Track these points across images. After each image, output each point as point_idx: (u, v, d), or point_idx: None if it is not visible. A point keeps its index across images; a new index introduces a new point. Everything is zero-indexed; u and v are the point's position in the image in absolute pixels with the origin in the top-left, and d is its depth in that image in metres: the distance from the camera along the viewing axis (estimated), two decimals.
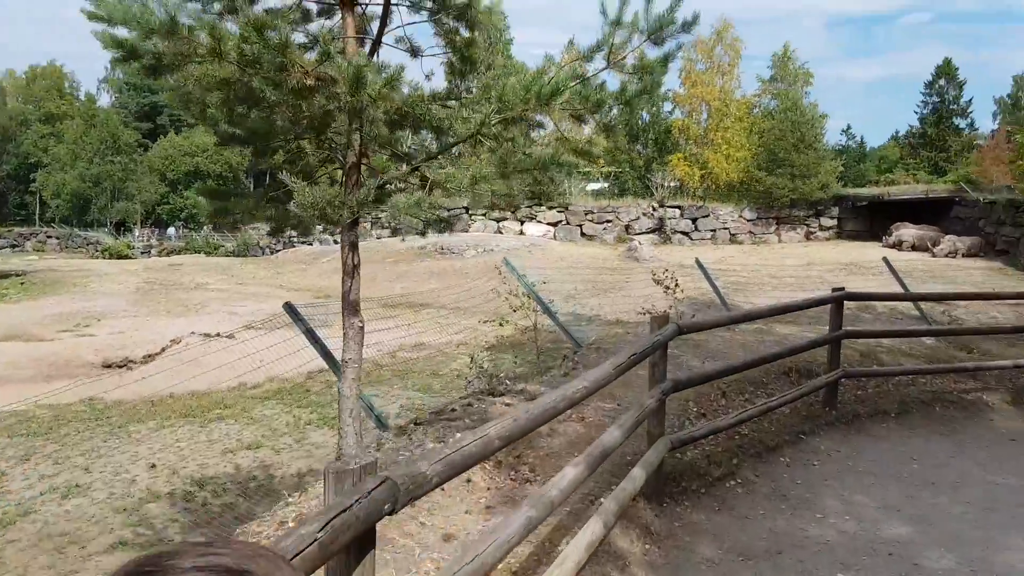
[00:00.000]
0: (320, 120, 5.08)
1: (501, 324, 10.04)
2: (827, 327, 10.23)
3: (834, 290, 8.25)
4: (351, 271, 5.53)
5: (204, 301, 25.95)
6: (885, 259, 15.05)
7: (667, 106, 41.02)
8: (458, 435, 5.35)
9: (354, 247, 5.52)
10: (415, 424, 6.52)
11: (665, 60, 5.23)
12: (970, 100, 59.72)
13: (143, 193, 55.20)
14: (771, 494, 6.24)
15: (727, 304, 13.63)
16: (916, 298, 12.36)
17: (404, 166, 5.75)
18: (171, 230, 52.35)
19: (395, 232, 34.74)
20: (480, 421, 6.67)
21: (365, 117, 4.62)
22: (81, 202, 55.82)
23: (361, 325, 5.60)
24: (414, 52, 5.59)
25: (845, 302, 8.34)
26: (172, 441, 11.41)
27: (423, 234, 7.28)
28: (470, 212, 35.30)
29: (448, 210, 35.21)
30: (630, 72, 5.28)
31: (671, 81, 46.04)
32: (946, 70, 59.72)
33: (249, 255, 37.24)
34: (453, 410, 6.82)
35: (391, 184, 5.56)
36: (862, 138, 77.62)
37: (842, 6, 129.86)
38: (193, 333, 19.59)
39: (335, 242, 34.75)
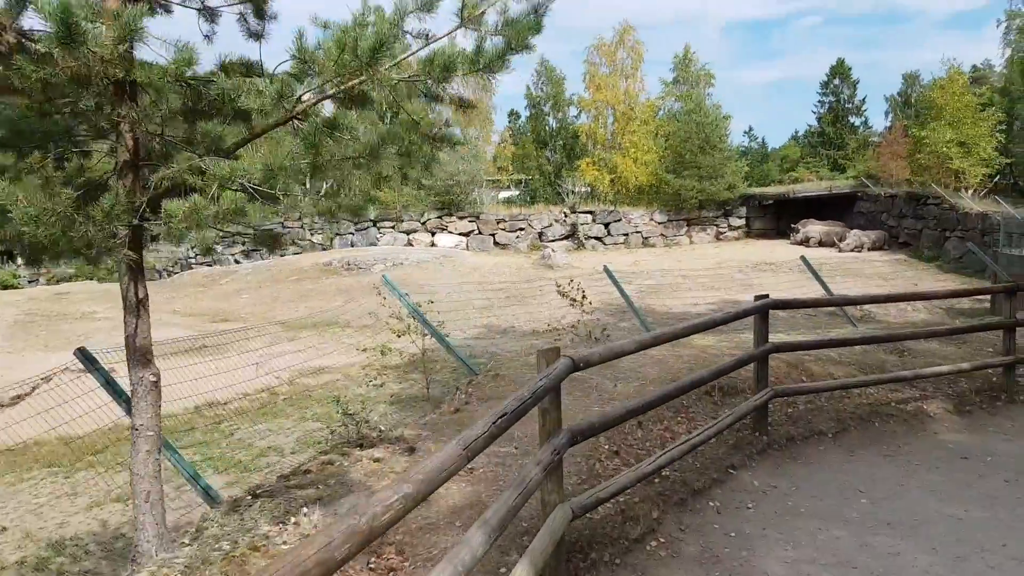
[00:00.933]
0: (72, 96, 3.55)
1: (383, 353, 8.54)
2: (746, 333, 9.25)
3: (757, 298, 7.08)
4: (134, 307, 4.00)
5: (89, 332, 23.48)
6: (803, 258, 14.26)
7: (573, 111, 40.25)
8: None
9: (136, 272, 3.98)
10: (254, 496, 5.00)
11: (536, 14, 3.91)
12: (864, 99, 61.07)
13: None
14: (701, 556, 4.97)
15: (639, 313, 12.44)
16: (846, 302, 11.43)
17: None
18: None
19: (207, 252, 32.73)
20: (338, 486, 5.19)
21: (134, 97, 3.11)
22: None
23: (155, 379, 4.07)
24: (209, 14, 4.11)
25: (772, 311, 7.16)
26: (30, 497, 9.60)
27: (207, 252, 5.74)
28: (377, 224, 33.60)
29: (355, 222, 33.53)
30: (492, 31, 3.94)
31: (576, 86, 45.24)
32: (840, 70, 60.84)
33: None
34: (307, 471, 5.33)
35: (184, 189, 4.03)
36: (764, 139, 78.58)
37: (738, 11, 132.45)
38: (67, 369, 17.43)
39: (236, 262, 32.59)
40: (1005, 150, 34.06)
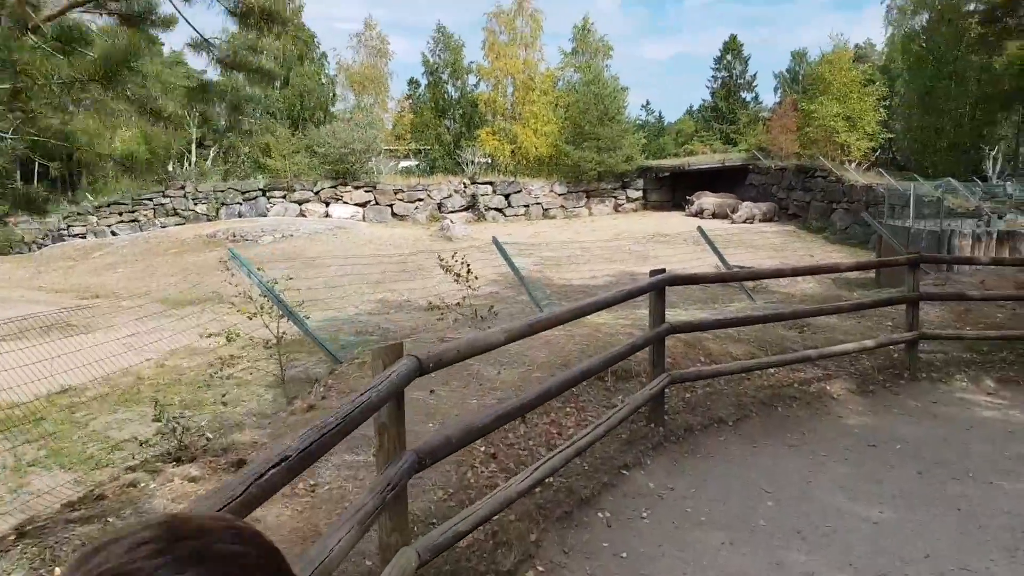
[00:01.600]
0: None
1: (229, 339, 7.31)
2: (642, 309, 8.50)
3: (653, 273, 6.22)
4: None
5: None
6: (700, 229, 13.64)
7: (472, 79, 38.89)
8: None
9: None
10: (19, 535, 3.78)
11: None
12: (755, 75, 61.97)
13: None
14: None
15: (530, 289, 11.53)
16: (748, 277, 10.81)
17: None
18: None
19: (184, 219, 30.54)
20: (134, 517, 4.02)
21: None
22: None
23: None
24: None
25: (668, 287, 6.32)
26: None
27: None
28: (267, 193, 31.62)
29: (243, 192, 31.47)
30: None
31: (475, 54, 44.03)
32: (732, 46, 61.45)
33: (12, 252, 31.51)
34: (101, 497, 4.14)
35: None
36: (660, 113, 79.09)
37: None
38: None
39: (113, 234, 30.10)
40: (886, 125, 34.85)
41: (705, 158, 37.75)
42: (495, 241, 10.58)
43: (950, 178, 20.79)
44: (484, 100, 36.71)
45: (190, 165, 34.81)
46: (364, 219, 31.97)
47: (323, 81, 37.74)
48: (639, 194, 36.47)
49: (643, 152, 40.46)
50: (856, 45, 47.34)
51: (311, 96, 35.94)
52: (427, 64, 38.63)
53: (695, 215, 32.82)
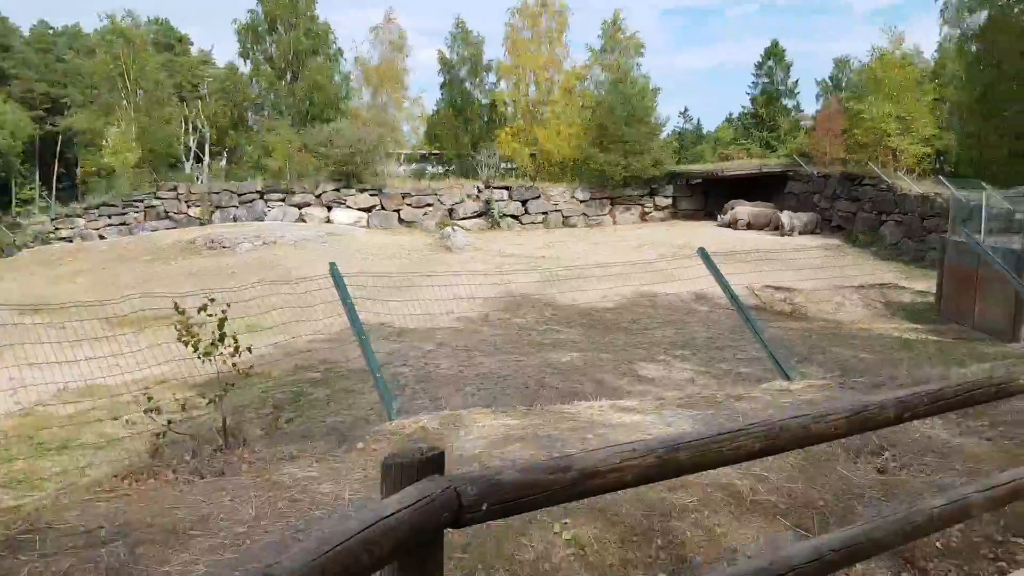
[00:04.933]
0: None
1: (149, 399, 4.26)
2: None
3: None
4: None
5: None
6: (702, 251, 10.29)
7: (491, 77, 35.81)
8: None
9: None
10: None
11: None
12: (796, 81, 58.69)
13: None
14: None
15: (372, 360, 6.37)
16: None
17: None
18: None
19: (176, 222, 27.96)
20: None
21: None
22: None
23: None
24: None
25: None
26: None
27: None
28: (264, 196, 28.90)
29: (239, 195, 28.87)
30: None
31: (495, 51, 40.98)
32: (774, 51, 58.23)
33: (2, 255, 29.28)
34: None
35: None
36: (699, 121, 75.70)
37: None
38: None
39: (101, 237, 27.64)
40: (941, 130, 31.00)
41: (740, 163, 34.15)
42: (335, 273, 6.28)
43: None
44: (504, 99, 33.55)
45: (199, 164, 32.41)
46: (368, 225, 29.11)
47: (336, 77, 35.00)
48: (668, 202, 33.04)
49: (675, 156, 37.17)
50: (902, 55, 43.48)
51: (322, 92, 33.19)
52: (444, 62, 35.66)
53: (728, 225, 29.38)
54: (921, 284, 19.16)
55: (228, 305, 4.96)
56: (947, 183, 21.64)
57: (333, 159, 29.11)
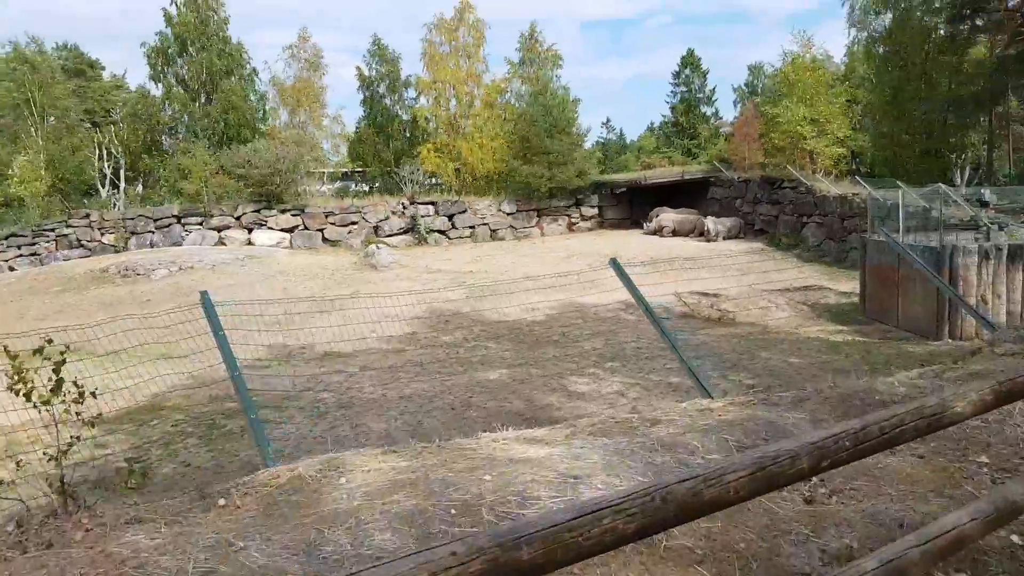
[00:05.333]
0: None
1: None
2: None
3: None
4: None
5: None
6: (614, 262, 9.95)
7: (411, 93, 35.20)
8: None
9: None
10: None
11: None
12: (714, 88, 60.06)
13: None
14: None
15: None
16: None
17: None
18: None
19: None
20: None
21: None
22: None
23: None
24: None
25: None
26: None
27: None
28: (182, 220, 27.69)
29: (155, 219, 27.63)
30: None
31: (414, 66, 40.65)
32: (690, 60, 59.36)
33: None
34: None
35: None
36: (622, 130, 76.71)
37: (593, 11, 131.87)
38: None
39: (11, 269, 26.06)
40: (854, 131, 31.82)
41: (663, 171, 34.39)
42: (206, 303, 5.70)
43: (940, 184, 17.51)
44: (425, 114, 33.00)
45: (116, 191, 30.91)
46: (291, 246, 28.17)
47: (252, 97, 33.90)
48: (594, 211, 33.02)
49: (599, 166, 37.20)
50: (812, 58, 44.80)
51: (238, 113, 32.07)
52: (363, 79, 34.91)
53: (654, 233, 29.49)
54: (845, 285, 19.35)
55: (68, 346, 4.32)
56: (864, 183, 22.06)
57: (252, 180, 28.11)
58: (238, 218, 28.34)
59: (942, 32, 33.15)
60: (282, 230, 28.59)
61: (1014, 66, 30.65)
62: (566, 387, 11.50)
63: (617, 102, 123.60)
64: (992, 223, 16.38)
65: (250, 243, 28.00)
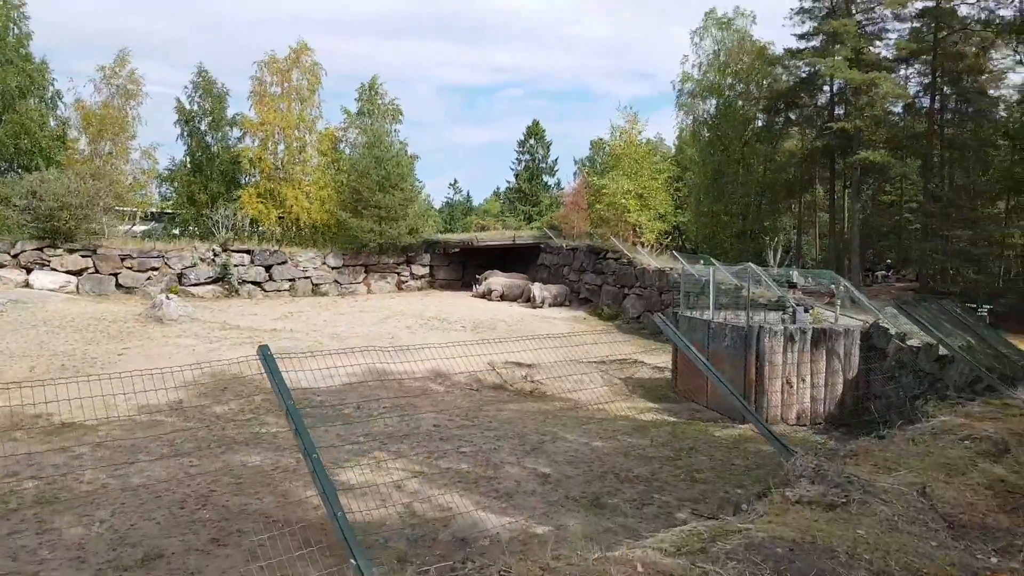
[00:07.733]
0: None
1: None
2: None
3: None
4: None
5: None
6: (263, 349, 8.33)
7: (236, 133, 32.52)
8: None
9: None
10: None
11: None
12: (556, 159, 61.41)
13: None
14: None
15: None
16: None
17: None
18: None
19: None
20: None
21: None
22: None
23: None
24: None
25: None
26: None
27: None
28: None
29: None
30: None
31: (243, 104, 37.83)
32: (535, 131, 60.39)
33: None
34: None
35: None
36: (469, 192, 76.72)
37: (450, 77, 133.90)
38: None
39: None
40: (678, 209, 32.46)
41: (495, 234, 33.54)
42: None
43: (750, 263, 17.38)
44: (249, 156, 30.34)
45: None
46: (77, 290, 24.54)
47: (53, 122, 29.95)
48: (426, 271, 31.49)
49: (441, 225, 35.99)
50: (647, 140, 46.52)
51: (32, 139, 28.10)
52: (182, 112, 31.86)
53: (483, 296, 28.29)
54: (660, 359, 18.74)
55: None
56: (680, 257, 21.85)
57: (38, 214, 24.35)
58: (15, 256, 24.38)
59: (759, 123, 34.95)
60: (68, 272, 24.86)
61: (821, 159, 32.62)
62: (337, 476, 9.57)
63: (469, 166, 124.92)
64: (798, 304, 16.16)
65: (28, 285, 24.10)
